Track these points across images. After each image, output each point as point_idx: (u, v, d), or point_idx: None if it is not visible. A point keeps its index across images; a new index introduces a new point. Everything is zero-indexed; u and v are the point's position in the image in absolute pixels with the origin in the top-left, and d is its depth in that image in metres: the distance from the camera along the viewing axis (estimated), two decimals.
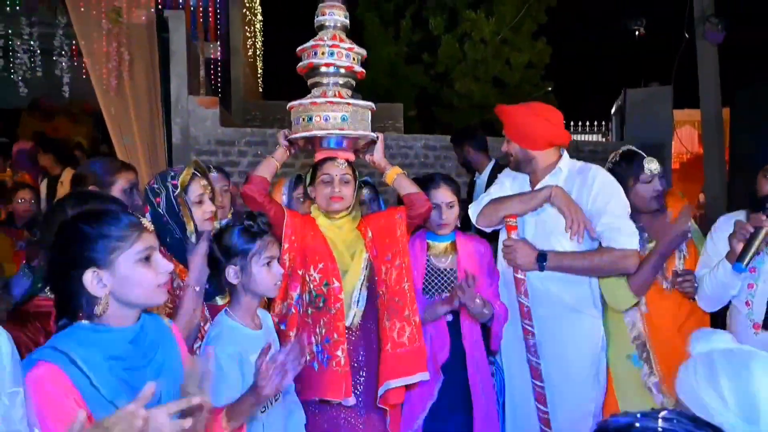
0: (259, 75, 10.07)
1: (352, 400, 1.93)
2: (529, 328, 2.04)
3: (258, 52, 9.80)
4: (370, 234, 2.10)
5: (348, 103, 2.12)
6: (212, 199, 1.90)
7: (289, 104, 2.20)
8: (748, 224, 1.72)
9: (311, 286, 1.97)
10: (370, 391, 1.99)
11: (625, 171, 2.15)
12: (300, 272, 1.99)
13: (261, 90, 10.16)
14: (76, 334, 1.09)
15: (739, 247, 1.73)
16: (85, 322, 1.12)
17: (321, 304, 1.96)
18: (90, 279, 1.10)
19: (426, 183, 2.18)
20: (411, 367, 1.98)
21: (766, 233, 1.66)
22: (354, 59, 2.19)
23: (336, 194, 2.02)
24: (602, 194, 2.04)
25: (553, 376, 2.06)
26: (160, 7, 4.84)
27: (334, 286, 1.96)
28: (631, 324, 2.10)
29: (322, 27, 2.21)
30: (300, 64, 2.21)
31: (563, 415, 2.06)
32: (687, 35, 5.93)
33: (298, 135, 2.14)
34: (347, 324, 1.97)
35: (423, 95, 11.41)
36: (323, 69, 2.16)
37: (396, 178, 2.13)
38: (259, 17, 9.70)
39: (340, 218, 2.07)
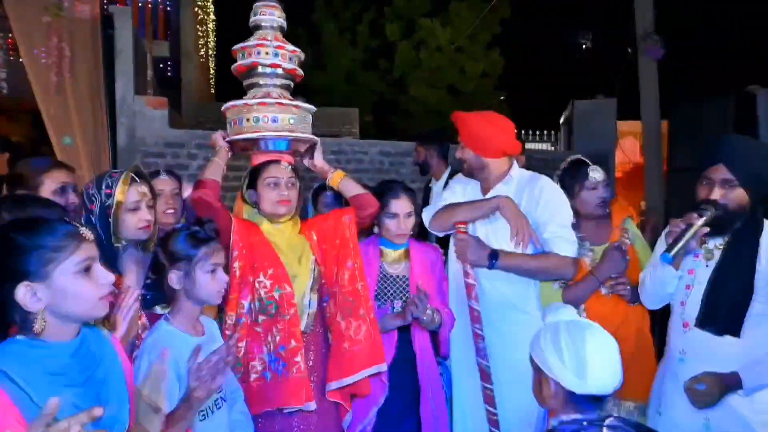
0: (211, 76, 9.85)
1: (313, 405, 1.90)
2: (479, 332, 2.07)
3: (210, 53, 9.58)
4: (314, 237, 2.09)
5: (296, 106, 2.09)
6: (152, 206, 1.83)
7: (229, 104, 2.13)
8: (681, 221, 1.83)
9: (261, 293, 1.91)
10: (321, 394, 1.98)
11: (572, 178, 2.25)
12: (250, 279, 1.94)
13: (213, 92, 9.93)
14: (13, 350, 1.03)
15: (670, 241, 1.82)
16: (20, 337, 1.05)
17: (273, 311, 1.91)
18: (23, 293, 1.03)
19: (385, 192, 2.17)
20: (369, 360, 2.01)
21: (696, 230, 1.75)
22: (295, 61, 2.18)
23: (284, 197, 1.99)
24: (549, 205, 2.12)
25: (502, 377, 2.10)
26: (105, 2, 4.65)
27: (286, 292, 1.93)
28: None
29: (258, 27, 2.16)
30: (241, 62, 2.14)
31: (512, 416, 2.11)
32: (630, 50, 6.23)
33: (248, 136, 2.07)
34: (302, 329, 1.95)
35: (380, 101, 11.49)
36: (266, 70, 2.11)
37: (341, 181, 2.13)
38: (212, 17, 9.49)
39: (283, 222, 2.03)
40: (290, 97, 2.14)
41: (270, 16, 2.16)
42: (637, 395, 2.11)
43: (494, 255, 2.05)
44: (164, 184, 2.34)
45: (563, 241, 2.07)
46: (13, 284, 1.03)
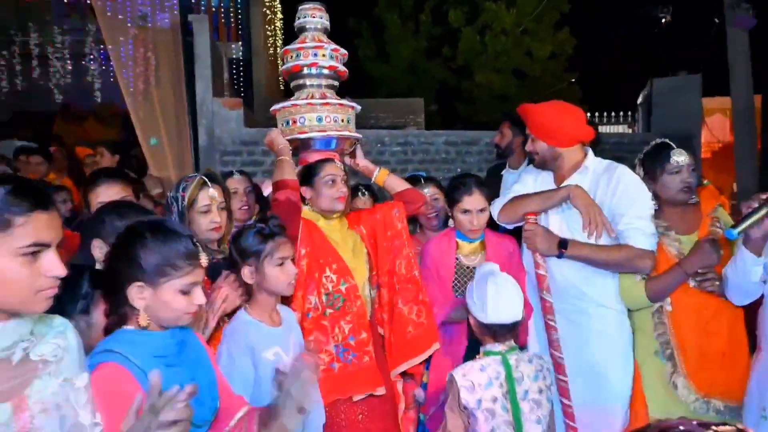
0: (280, 73, 10.16)
1: (383, 389, 1.98)
2: (552, 324, 2.04)
3: (279, 51, 9.88)
4: (363, 230, 2.15)
5: (341, 104, 2.17)
6: (224, 208, 1.92)
7: (279, 105, 2.20)
8: (756, 198, 1.70)
9: (329, 287, 1.98)
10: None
11: (653, 162, 2.12)
12: (316, 275, 2.00)
13: (282, 88, 10.26)
14: (123, 338, 1.16)
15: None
16: (129, 327, 1.18)
17: (340, 304, 1.98)
18: (134, 292, 1.15)
19: (458, 187, 2.19)
20: (429, 341, 2.10)
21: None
22: (338, 59, 2.25)
23: (342, 194, 2.05)
24: (626, 195, 2.04)
25: (578, 370, 2.06)
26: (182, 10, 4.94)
27: (351, 284, 2.00)
28: (657, 320, 2.08)
29: (303, 29, 2.24)
30: (284, 66, 2.24)
31: (588, 410, 2.06)
32: (717, 21, 5.76)
33: (310, 135, 2.13)
34: (368, 317, 2.03)
35: (443, 90, 11.35)
36: (311, 71, 2.19)
37: (387, 178, 2.22)
38: (280, 15, 9.78)
39: (336, 218, 2.10)
40: (336, 96, 2.21)
41: (312, 18, 2.23)
42: (729, 395, 1.97)
43: (563, 244, 2.02)
44: (237, 183, 2.49)
45: (639, 233, 1.98)
46: (130, 281, 1.15)
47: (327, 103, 2.14)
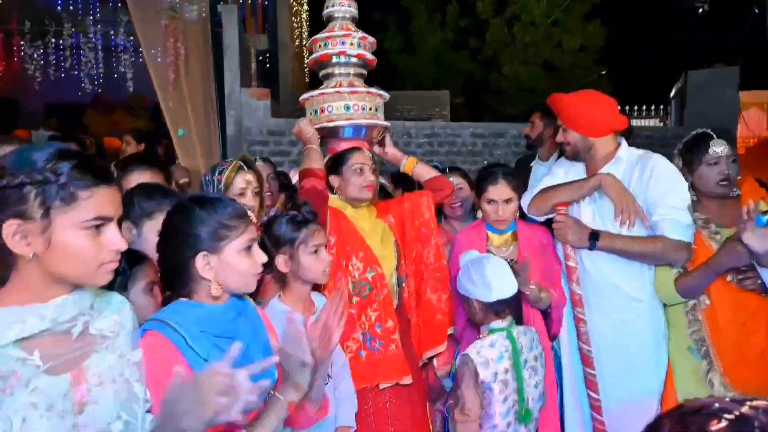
0: (305, 65, 10.20)
1: (410, 378, 1.98)
2: (581, 316, 2.01)
3: (304, 43, 9.92)
4: (392, 219, 2.16)
5: (369, 93, 2.17)
6: (258, 193, 1.95)
7: (307, 95, 2.21)
8: None
9: (356, 276, 1.99)
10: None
11: (691, 153, 2.05)
12: (343, 263, 2.01)
13: (307, 80, 10.29)
14: (175, 309, 1.18)
15: None
16: (183, 299, 1.20)
17: (367, 292, 1.98)
18: (201, 262, 1.17)
19: (484, 177, 2.16)
20: (449, 325, 2.13)
21: None
22: (366, 47, 2.24)
23: (371, 183, 2.05)
24: (661, 184, 1.97)
25: (608, 364, 2.03)
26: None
27: (378, 273, 1.99)
28: (691, 316, 2.02)
29: (331, 18, 2.24)
30: (313, 56, 2.23)
31: (618, 404, 2.03)
32: (756, 11, 5.55)
33: (339, 123, 2.15)
34: (395, 306, 2.03)
35: (470, 82, 11.24)
36: (339, 59, 2.19)
37: (415, 166, 2.20)
38: (306, 7, 9.80)
39: (364, 206, 2.10)
40: (364, 85, 2.20)
41: (341, 7, 2.23)
42: None
43: (594, 236, 1.97)
44: (261, 170, 2.51)
45: (674, 224, 1.91)
46: (194, 252, 1.17)
47: (355, 92, 2.14)
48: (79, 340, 0.93)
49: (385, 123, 2.24)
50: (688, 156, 2.06)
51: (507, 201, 2.13)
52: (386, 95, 2.26)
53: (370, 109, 2.18)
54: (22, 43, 5.38)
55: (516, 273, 1.93)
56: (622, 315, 2.05)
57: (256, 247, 1.22)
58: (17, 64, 5.64)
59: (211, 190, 1.88)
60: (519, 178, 2.29)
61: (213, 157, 4.49)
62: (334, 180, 2.09)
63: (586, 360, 2.01)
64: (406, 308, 2.16)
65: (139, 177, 1.97)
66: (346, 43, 2.18)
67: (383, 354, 1.96)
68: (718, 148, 1.99)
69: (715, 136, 2.05)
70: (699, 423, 0.57)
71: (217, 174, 1.93)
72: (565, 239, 2.01)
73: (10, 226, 0.85)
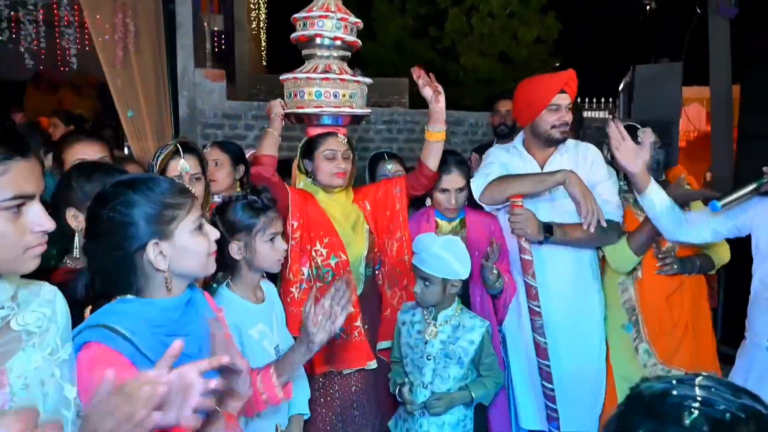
0: (262, 48, 9.95)
1: (374, 364, 2.01)
2: (537, 309, 2.05)
3: (262, 25, 9.67)
4: (368, 207, 2.13)
5: (357, 81, 2.14)
6: (200, 178, 1.87)
7: (290, 75, 2.15)
8: None
9: (318, 261, 1.99)
10: (375, 354, 2.10)
11: None
12: (308, 247, 2.01)
13: (265, 63, 10.05)
14: (120, 309, 1.05)
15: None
16: (129, 296, 1.07)
17: (329, 278, 1.97)
18: (153, 252, 1.04)
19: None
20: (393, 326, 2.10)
21: (751, 189, 1.67)
22: (354, 32, 2.20)
23: (340, 170, 2.03)
24: (599, 170, 2.14)
25: (562, 354, 2.11)
26: None
27: (341, 260, 2.00)
28: (623, 289, 2.17)
29: None
30: (301, 33, 2.14)
31: (573, 391, 2.12)
32: (699, 10, 5.81)
33: (310, 111, 2.12)
34: (359, 294, 2.05)
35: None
36: (327, 42, 2.12)
37: (437, 143, 2.06)
38: None
39: (337, 192, 2.08)
40: (349, 70, 2.16)
41: None
42: (690, 366, 2.09)
43: (548, 229, 2.02)
44: (218, 154, 2.44)
45: (608, 206, 2.06)
46: (140, 245, 1.03)
47: (326, 78, 2.10)
48: None
49: (367, 111, 2.20)
50: None
51: (459, 190, 2.16)
52: (366, 80, 2.20)
53: (343, 96, 2.13)
54: None
55: (486, 256, 1.99)
56: (573, 302, 2.14)
57: (206, 224, 1.13)
58: None
59: None
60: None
61: (165, 140, 4.32)
62: (307, 164, 2.10)
63: (541, 352, 2.05)
64: (382, 298, 2.17)
65: (84, 148, 1.83)
66: (324, 24, 2.10)
67: (345, 341, 1.97)
68: (644, 136, 2.14)
69: (639, 126, 2.21)
70: (673, 416, 0.58)
71: (155, 160, 1.85)
72: (523, 233, 2.00)
73: None
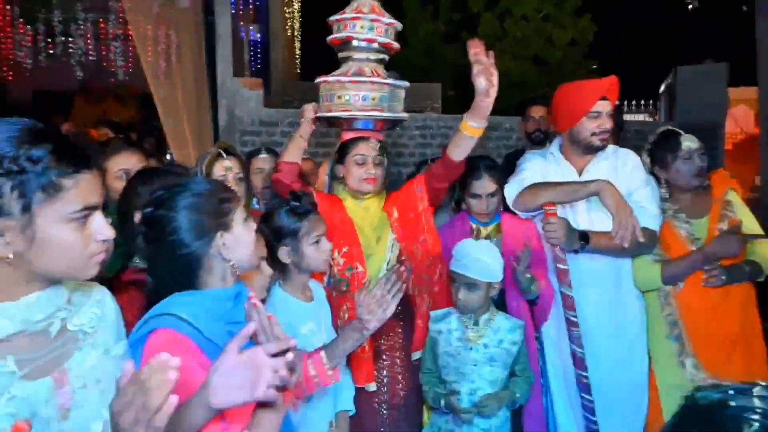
0: (296, 56, 10.12)
1: (373, 386, 1.90)
2: (573, 319, 1.99)
3: (296, 33, 9.84)
4: (396, 214, 2.04)
5: (387, 84, 2.04)
6: (241, 179, 1.95)
7: (321, 79, 2.08)
8: None
9: (335, 270, 1.93)
10: (406, 371, 1.97)
11: (664, 149, 2.13)
12: None
13: (298, 71, 10.22)
14: (179, 300, 1.08)
15: None
16: (186, 291, 1.10)
17: (344, 289, 1.92)
18: (219, 243, 1.09)
19: (468, 172, 2.11)
20: (423, 336, 2.01)
21: None
22: (391, 34, 2.10)
23: (370, 176, 1.97)
24: (637, 176, 2.08)
25: (601, 364, 2.04)
26: None
27: (358, 271, 1.92)
28: (664, 301, 2.10)
29: None
30: (335, 36, 2.09)
31: (613, 402, 2.06)
32: (745, 8, 5.61)
33: (333, 114, 2.05)
34: None
35: (460, 75, 11.23)
36: (360, 44, 2.06)
37: (471, 138, 1.90)
38: None
39: (367, 199, 2.02)
40: (383, 74, 2.09)
41: None
42: (741, 379, 2.00)
43: (584, 237, 1.97)
44: (264, 162, 2.49)
45: (645, 214, 1.98)
46: (208, 239, 1.08)
47: (355, 81, 2.03)
48: (57, 339, 0.85)
49: (399, 115, 2.08)
50: (660, 153, 2.14)
51: (491, 194, 2.12)
52: (402, 83, 2.09)
53: (373, 99, 2.02)
54: (10, 29, 5.30)
55: (518, 260, 1.96)
56: (622, 309, 2.08)
57: (250, 218, 1.18)
58: (6, 50, 5.55)
59: None
60: (509, 172, 2.29)
61: (205, 148, 4.45)
62: (339, 170, 2.05)
63: (579, 362, 2.00)
64: (413, 304, 2.03)
65: (127, 158, 1.91)
66: (356, 27, 2.04)
67: (351, 355, 1.84)
68: (691, 143, 2.08)
69: (683, 132, 2.13)
70: (732, 428, 0.56)
71: (200, 165, 1.95)
72: (557, 241, 1.94)
73: None
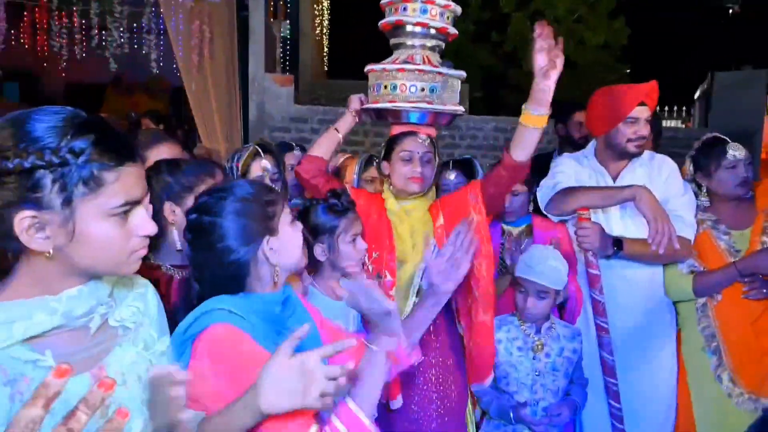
0: (324, 54, 10.15)
1: (398, 402, 1.76)
2: (604, 325, 1.95)
3: (325, 31, 9.87)
4: (441, 219, 1.86)
5: (440, 73, 1.84)
6: (277, 179, 1.89)
7: (369, 67, 1.93)
8: None
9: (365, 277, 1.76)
10: (443, 386, 1.83)
11: (708, 157, 2.07)
12: None
13: (326, 69, 10.24)
14: (228, 300, 1.05)
15: None
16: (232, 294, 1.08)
17: None
18: (267, 248, 1.07)
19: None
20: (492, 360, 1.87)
21: None
22: (448, 18, 1.90)
23: (416, 174, 1.80)
24: (675, 184, 2.03)
25: (631, 372, 2.01)
26: None
27: (386, 280, 1.79)
28: (701, 313, 2.03)
29: None
30: (386, 20, 1.92)
31: (641, 412, 2.02)
32: None
33: (379, 106, 1.88)
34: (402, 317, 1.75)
35: (488, 76, 11.14)
36: (412, 29, 1.87)
37: (534, 130, 1.68)
38: None
39: (412, 199, 1.86)
40: (435, 62, 1.89)
41: None
42: None
43: (617, 243, 1.93)
44: (295, 159, 2.48)
45: (681, 222, 1.93)
46: (255, 245, 1.06)
47: (402, 69, 1.83)
48: (97, 334, 0.83)
49: (451, 108, 1.88)
50: (705, 161, 2.07)
51: (515, 194, 2.08)
52: (456, 73, 1.89)
53: (422, 90, 1.83)
54: (47, 20, 5.41)
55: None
56: (649, 317, 2.04)
57: (295, 219, 1.16)
58: (43, 40, 5.67)
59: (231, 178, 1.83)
60: (539, 174, 2.24)
61: (234, 142, 4.49)
62: (385, 167, 1.89)
63: (608, 369, 1.96)
64: (474, 329, 1.82)
65: (170, 149, 1.87)
66: (408, 9, 1.84)
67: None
68: (736, 152, 2.02)
69: (729, 140, 2.05)
70: None
71: (235, 161, 1.90)
72: (590, 246, 1.91)
73: (23, 219, 0.72)
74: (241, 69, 4.52)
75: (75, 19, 5.33)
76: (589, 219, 1.93)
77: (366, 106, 1.97)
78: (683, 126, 9.53)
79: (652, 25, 10.67)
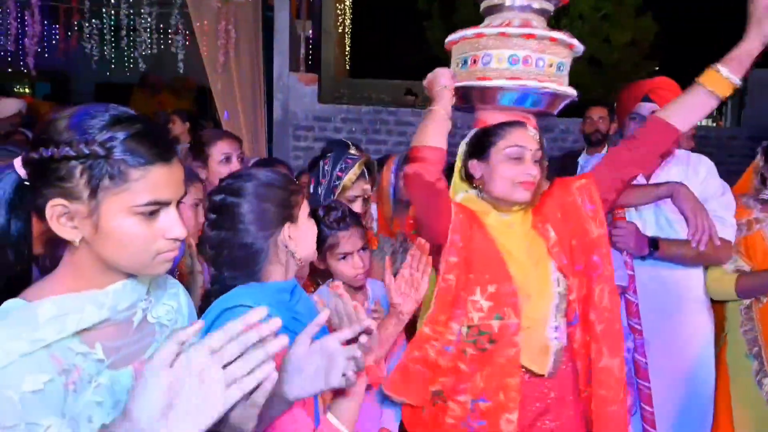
0: (346, 53, 10.19)
1: None
2: (637, 327, 1.91)
3: (347, 30, 9.90)
4: (552, 233, 1.41)
5: (553, 38, 1.35)
6: (367, 199, 1.82)
7: (457, 35, 1.45)
8: None
9: (475, 319, 1.34)
10: None
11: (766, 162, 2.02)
12: (462, 295, 1.36)
13: (348, 68, 10.28)
14: (245, 292, 1.06)
15: None
16: (249, 283, 1.09)
17: (487, 346, 1.35)
18: (286, 234, 1.09)
19: None
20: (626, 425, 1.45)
21: None
22: None
23: (529, 178, 1.35)
24: (714, 184, 1.96)
25: (665, 376, 1.96)
26: None
27: (509, 322, 1.33)
28: (746, 315, 1.98)
29: None
30: None
31: (675, 416, 1.97)
32: None
33: (491, 83, 1.36)
34: (546, 374, 1.38)
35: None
36: None
37: (713, 97, 1.39)
38: None
39: (514, 212, 1.41)
40: (546, 28, 1.41)
41: None
42: None
43: (653, 243, 1.88)
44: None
45: (722, 224, 1.87)
46: (274, 229, 1.08)
47: (530, 35, 1.34)
48: (138, 329, 0.85)
49: (569, 91, 1.44)
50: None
51: None
52: (579, 46, 1.45)
53: (550, 65, 1.37)
54: (76, 21, 5.54)
55: None
56: (685, 319, 1.99)
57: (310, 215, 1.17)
58: (74, 41, 5.81)
59: (325, 181, 1.76)
60: (564, 172, 2.22)
61: (259, 141, 4.53)
62: (475, 168, 1.41)
63: (641, 372, 1.91)
64: (593, 374, 1.40)
65: (230, 144, 2.06)
66: None
67: None
68: None
69: None
70: None
71: (338, 170, 1.75)
72: (625, 246, 1.86)
73: (55, 206, 0.74)
74: (265, 68, 4.56)
75: (105, 21, 5.44)
76: (625, 218, 1.90)
77: (466, 83, 1.42)
78: (714, 125, 9.29)
79: (681, 22, 10.41)
